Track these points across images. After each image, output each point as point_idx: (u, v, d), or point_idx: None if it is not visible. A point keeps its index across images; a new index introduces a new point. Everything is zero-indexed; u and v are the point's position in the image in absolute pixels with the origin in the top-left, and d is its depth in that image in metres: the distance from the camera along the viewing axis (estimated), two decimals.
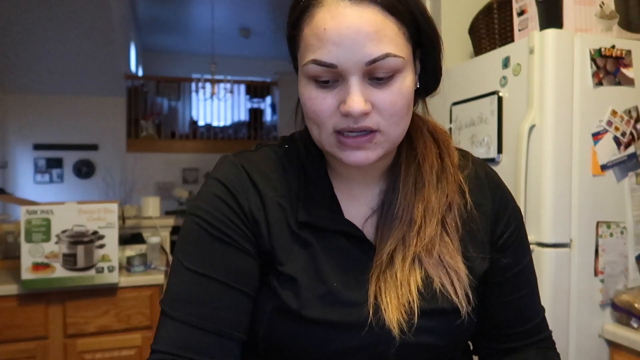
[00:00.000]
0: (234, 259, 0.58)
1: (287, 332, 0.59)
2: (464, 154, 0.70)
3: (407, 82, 0.56)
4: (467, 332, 0.63)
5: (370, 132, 0.55)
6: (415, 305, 0.58)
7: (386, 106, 0.55)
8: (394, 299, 0.58)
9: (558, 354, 0.71)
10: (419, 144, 0.65)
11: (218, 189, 0.61)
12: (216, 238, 0.58)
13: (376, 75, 0.54)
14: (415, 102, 0.64)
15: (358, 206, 0.65)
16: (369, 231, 0.64)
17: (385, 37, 0.53)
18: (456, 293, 0.59)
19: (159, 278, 2.08)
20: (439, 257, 0.61)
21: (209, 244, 0.58)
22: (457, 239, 0.63)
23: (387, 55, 0.53)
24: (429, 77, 0.63)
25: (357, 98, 0.53)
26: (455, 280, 0.60)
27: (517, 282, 0.68)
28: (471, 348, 0.75)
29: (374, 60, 0.53)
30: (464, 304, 0.59)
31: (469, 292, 0.60)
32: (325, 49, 0.53)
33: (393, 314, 0.57)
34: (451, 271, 0.60)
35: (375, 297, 0.59)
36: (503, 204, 0.69)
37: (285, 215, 0.61)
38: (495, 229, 0.67)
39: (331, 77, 0.54)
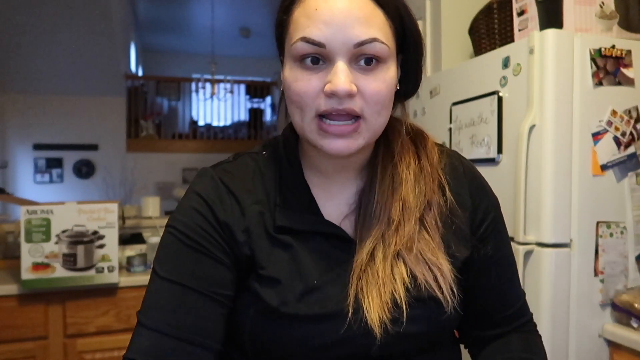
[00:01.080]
0: (208, 268, 0.59)
1: (271, 332, 0.59)
2: (440, 149, 0.71)
3: (390, 73, 0.58)
4: (454, 321, 0.64)
5: (354, 120, 0.56)
6: (403, 301, 0.58)
7: (371, 92, 0.56)
8: (376, 298, 0.59)
9: (540, 336, 0.72)
10: (395, 145, 0.66)
11: (195, 201, 0.62)
12: (190, 247, 0.59)
13: (362, 60, 0.55)
14: (394, 106, 0.65)
15: (336, 203, 0.66)
16: (347, 228, 0.64)
17: (374, 24, 0.55)
18: (440, 288, 0.60)
19: None
20: (420, 254, 0.61)
21: (183, 253, 0.59)
22: (437, 236, 0.63)
23: (374, 40, 0.55)
24: (409, 81, 0.65)
25: (343, 77, 0.54)
26: (439, 276, 0.60)
27: (499, 269, 0.69)
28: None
29: (362, 43, 0.54)
30: (449, 299, 0.60)
31: (453, 286, 0.61)
32: (315, 27, 0.54)
33: (375, 313, 0.58)
34: (434, 267, 0.61)
35: (357, 296, 0.59)
36: (480, 193, 0.70)
37: (264, 220, 0.62)
38: (475, 217, 0.68)
39: (319, 56, 0.55)
